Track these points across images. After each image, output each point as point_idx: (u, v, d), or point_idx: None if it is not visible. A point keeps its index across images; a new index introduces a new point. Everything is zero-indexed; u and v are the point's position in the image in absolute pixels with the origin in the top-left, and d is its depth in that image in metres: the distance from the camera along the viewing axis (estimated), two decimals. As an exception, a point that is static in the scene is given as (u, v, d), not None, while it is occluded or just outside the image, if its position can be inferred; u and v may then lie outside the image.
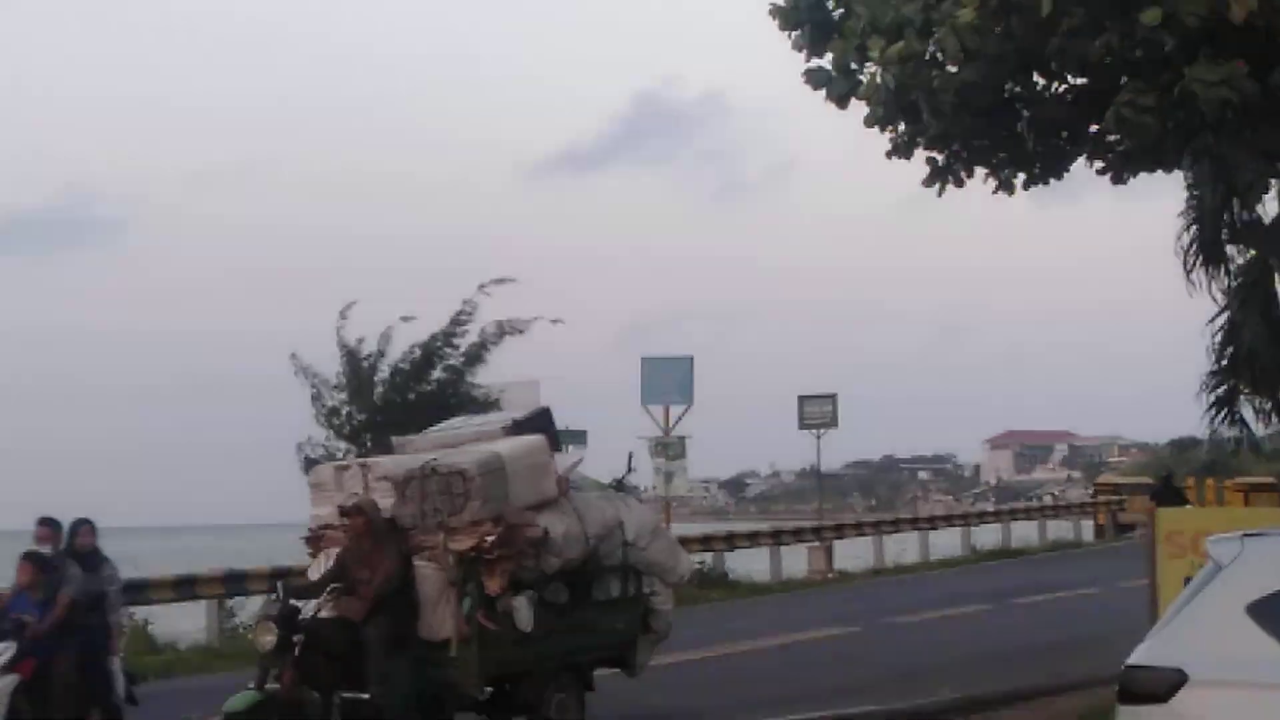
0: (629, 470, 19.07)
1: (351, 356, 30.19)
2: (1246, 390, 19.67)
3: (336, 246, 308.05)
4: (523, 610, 14.94)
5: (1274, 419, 20.30)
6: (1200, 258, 19.38)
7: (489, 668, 14.89)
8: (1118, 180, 15.84)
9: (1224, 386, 19.45)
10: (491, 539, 14.74)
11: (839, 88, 15.19)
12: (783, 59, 15.54)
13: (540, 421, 17.30)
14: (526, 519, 15.13)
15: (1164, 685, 8.22)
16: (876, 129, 15.43)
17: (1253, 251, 19.25)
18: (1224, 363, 19.72)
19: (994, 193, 15.96)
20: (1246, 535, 8.70)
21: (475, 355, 30.94)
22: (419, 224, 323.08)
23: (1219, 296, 19.32)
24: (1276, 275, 18.07)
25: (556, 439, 17.65)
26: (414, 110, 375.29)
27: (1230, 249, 19.20)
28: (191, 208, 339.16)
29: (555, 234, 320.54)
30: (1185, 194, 19.47)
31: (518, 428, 16.78)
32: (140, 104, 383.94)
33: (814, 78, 15.38)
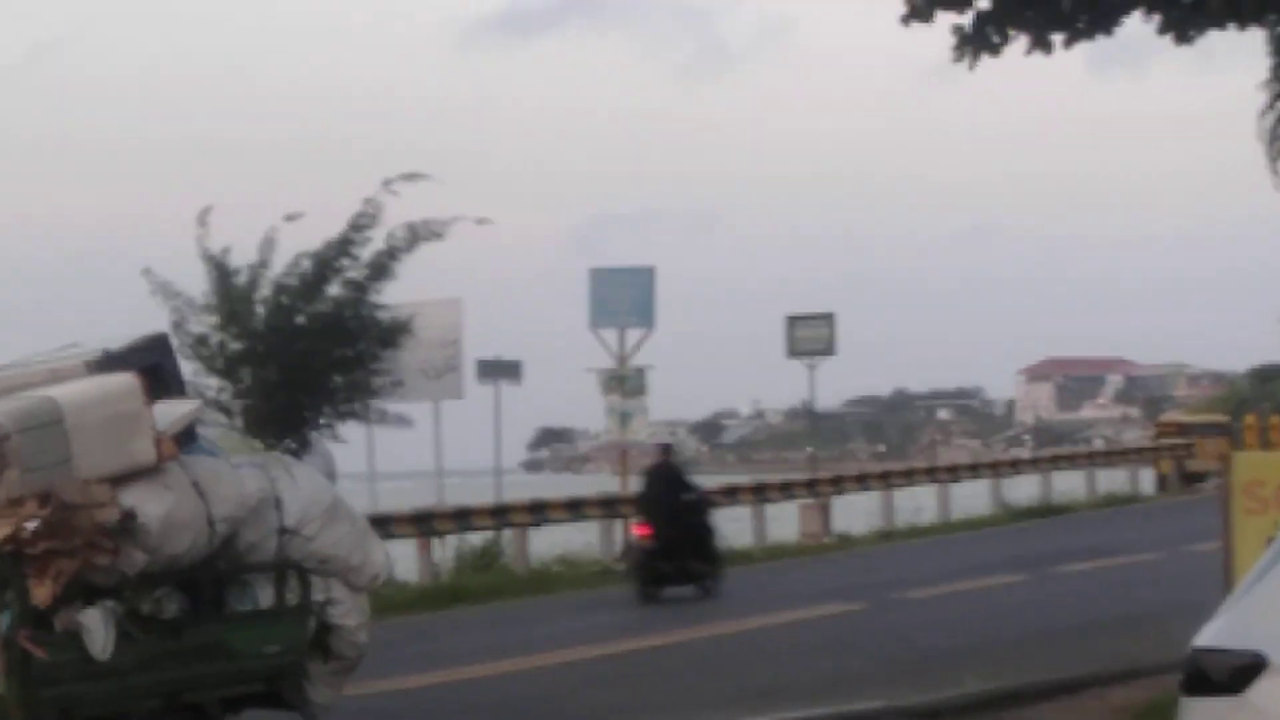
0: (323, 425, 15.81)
1: (220, 271, 29.78)
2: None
3: (227, 145, 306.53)
4: (95, 629, 12.82)
5: None
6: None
7: (43, 712, 12.84)
8: (1182, 39, 15.84)
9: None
10: (34, 525, 12.56)
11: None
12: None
13: (148, 354, 14.61)
14: (96, 496, 12.94)
15: (1239, 673, 8.26)
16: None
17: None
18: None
19: (1028, 53, 15.93)
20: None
21: (381, 266, 30.60)
22: (339, 94, 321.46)
23: None
24: None
25: (176, 380, 15.20)
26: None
27: None
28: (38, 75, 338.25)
29: (490, 115, 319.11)
30: (1269, 58, 19.56)
31: (112, 362, 14.02)
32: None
33: None
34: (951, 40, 15.87)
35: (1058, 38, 15.95)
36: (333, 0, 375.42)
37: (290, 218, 30.25)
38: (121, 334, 14.91)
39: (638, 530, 28.74)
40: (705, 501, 29.52)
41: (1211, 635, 8.60)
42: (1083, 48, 16.20)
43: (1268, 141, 19.70)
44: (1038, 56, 16.29)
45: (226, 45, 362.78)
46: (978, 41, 15.89)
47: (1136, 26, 16.13)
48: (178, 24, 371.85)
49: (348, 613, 14.54)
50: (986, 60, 16.19)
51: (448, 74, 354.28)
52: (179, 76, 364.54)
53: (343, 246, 30.41)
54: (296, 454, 30.06)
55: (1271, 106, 19.67)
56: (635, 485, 38.74)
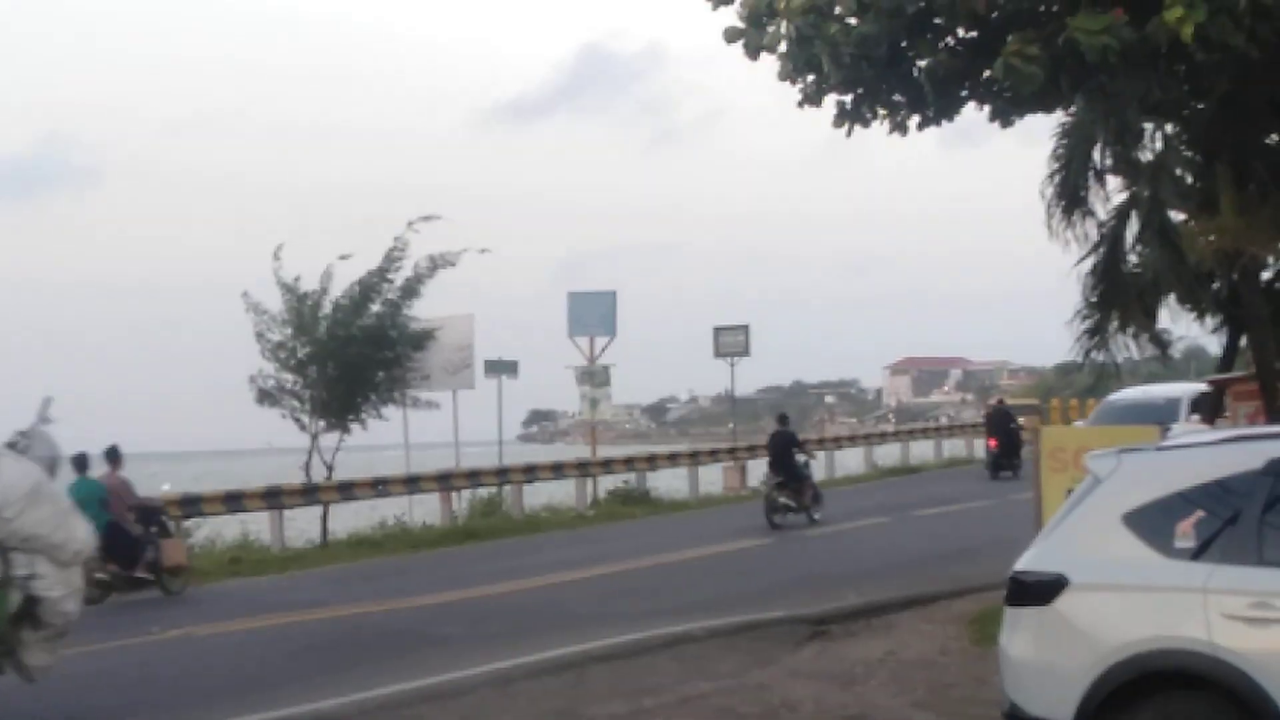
0: (41, 421, 14.05)
1: (292, 294, 30.20)
2: (1118, 320, 19.93)
3: (296, 193, 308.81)
4: None
5: (1148, 344, 20.59)
6: (1063, 204, 19.65)
7: None
8: (1005, 124, 15.89)
9: (1094, 318, 19.74)
10: None
11: (752, 40, 15.14)
12: (715, 14, 15.44)
13: None
14: None
15: (1047, 589, 8.30)
16: (788, 82, 15.42)
17: (1122, 195, 19.50)
18: (1094, 298, 20.01)
19: (889, 133, 15.97)
20: (1123, 451, 8.77)
21: (410, 289, 31.30)
22: (376, 170, 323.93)
23: (1079, 240, 19.65)
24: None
25: None
26: (371, 63, 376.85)
27: (1093, 197, 19.46)
28: (161, 156, 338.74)
29: (500, 178, 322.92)
30: (1055, 143, 19.70)
31: None
32: (114, 55, 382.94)
33: (728, 33, 15.32)
34: (833, 114, 15.88)
35: (913, 121, 15.98)
36: (380, 97, 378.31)
37: (343, 257, 30.76)
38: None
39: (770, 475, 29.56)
40: (808, 457, 30.93)
41: (1026, 561, 8.65)
42: (933, 129, 16.24)
43: (1046, 203, 19.89)
44: (902, 138, 16.34)
45: (299, 135, 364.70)
46: (853, 115, 15.89)
47: (971, 112, 16.19)
48: (247, 128, 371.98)
49: (52, 585, 12.91)
50: (870, 136, 16.25)
51: (467, 146, 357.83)
52: (264, 157, 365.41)
53: (381, 274, 30.87)
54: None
55: (1051, 178, 19.82)
56: (604, 453, 38.80)
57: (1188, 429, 17.89)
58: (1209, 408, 25.23)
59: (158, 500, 25.30)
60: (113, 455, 22.83)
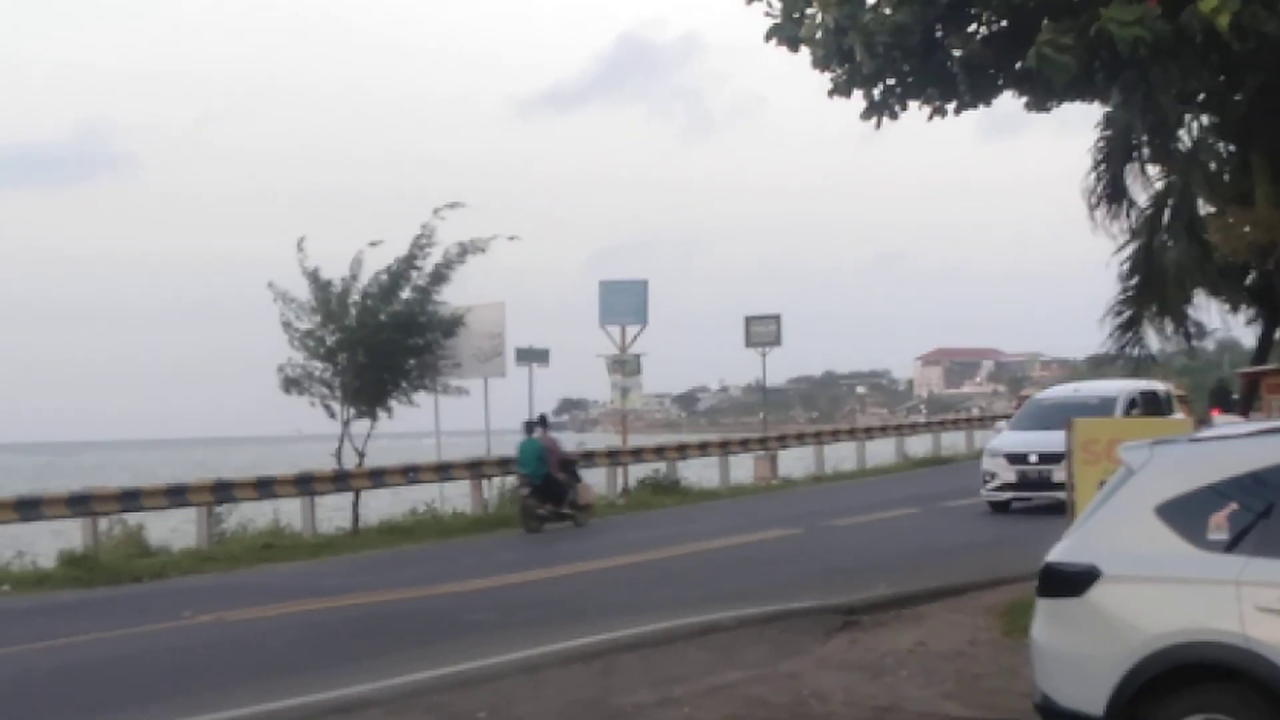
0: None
1: (318, 283, 30.18)
2: (1152, 312, 19.85)
3: (333, 179, 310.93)
4: None
5: (1180, 337, 20.52)
6: (1107, 195, 19.57)
7: None
8: (1040, 109, 15.84)
9: (1129, 311, 19.67)
10: None
11: (787, 31, 15.16)
12: (749, 7, 15.42)
13: None
14: None
15: (1079, 580, 8.28)
16: (820, 71, 15.40)
17: (1159, 185, 19.41)
18: (1131, 287, 19.92)
19: (929, 119, 15.94)
20: (1156, 443, 8.74)
21: (439, 275, 31.22)
22: (419, 155, 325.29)
23: (1119, 232, 19.54)
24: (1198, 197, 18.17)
25: None
26: (409, 52, 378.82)
27: (1134, 188, 19.38)
28: (200, 138, 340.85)
29: (536, 167, 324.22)
30: (1098, 136, 19.61)
31: None
32: (151, 38, 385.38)
33: (769, 31, 15.32)
34: (863, 105, 15.85)
35: (951, 106, 15.93)
36: (418, 83, 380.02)
37: (373, 244, 30.69)
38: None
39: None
40: None
41: (1059, 552, 8.62)
42: (971, 118, 16.22)
43: (1087, 196, 19.82)
44: (939, 126, 16.35)
45: (332, 121, 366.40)
46: (881, 109, 15.86)
47: (1007, 102, 16.14)
48: (292, 108, 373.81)
49: None
50: (903, 128, 16.22)
51: (505, 136, 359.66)
52: (296, 146, 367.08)
53: (409, 260, 30.76)
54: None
55: (1094, 169, 19.74)
56: (634, 441, 38.75)
57: (1224, 421, 17.82)
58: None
59: (575, 454, 32.61)
60: (543, 422, 30.17)
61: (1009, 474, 27.12)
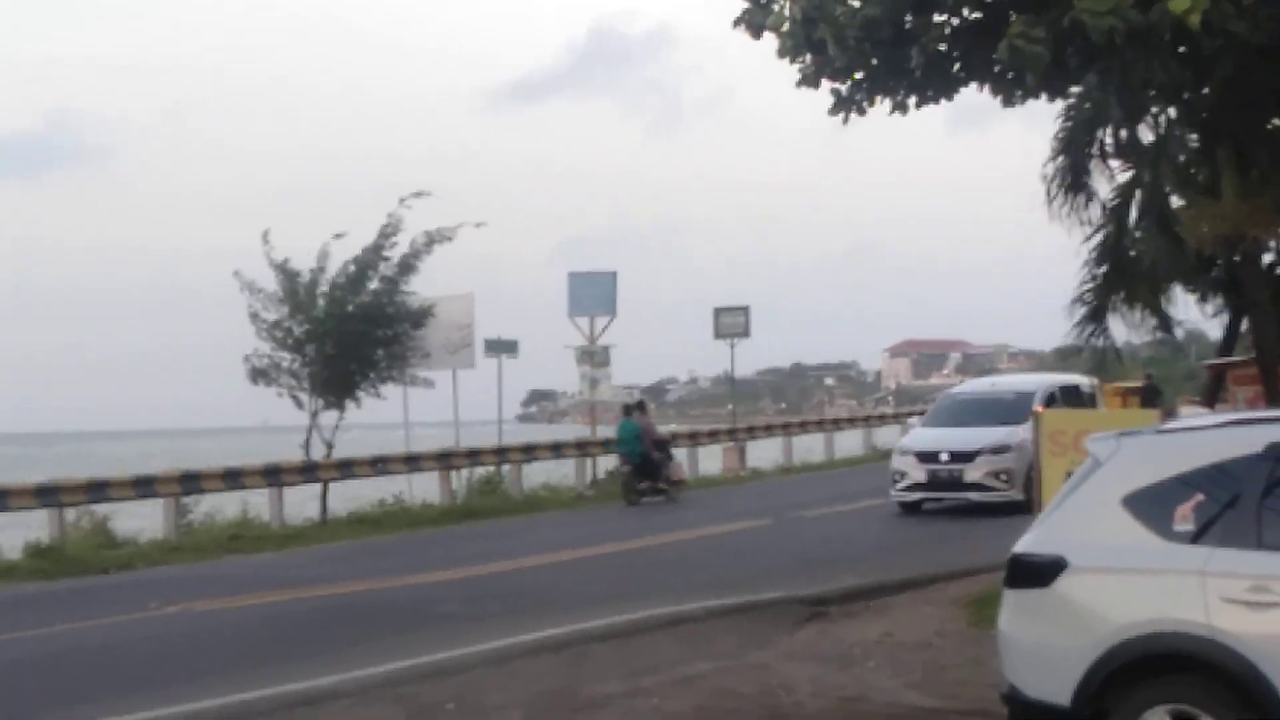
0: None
1: (285, 274, 30.11)
2: (1121, 303, 19.91)
3: (302, 167, 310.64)
4: None
5: (1153, 329, 20.61)
6: (1065, 185, 19.63)
7: None
8: (1008, 103, 15.84)
9: (1094, 301, 19.74)
10: None
11: (755, 18, 15.14)
12: (723, -5, 15.46)
13: None
14: None
15: (1046, 571, 8.31)
16: (787, 60, 15.38)
17: (1124, 176, 19.47)
18: (1099, 277, 19.98)
19: (890, 113, 15.94)
20: (1123, 434, 8.77)
21: (407, 266, 31.21)
22: (389, 148, 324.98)
23: (1079, 222, 19.62)
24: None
25: None
26: (379, 41, 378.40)
27: (1095, 179, 19.45)
28: (170, 130, 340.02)
29: (506, 158, 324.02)
30: (1060, 126, 19.66)
31: None
32: (124, 31, 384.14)
33: (737, 18, 15.32)
34: (830, 101, 15.86)
35: (912, 100, 15.93)
36: (388, 75, 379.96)
37: (338, 236, 30.70)
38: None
39: None
40: None
41: (1026, 543, 8.65)
42: (940, 111, 16.22)
43: (1047, 185, 19.88)
44: (908, 119, 16.32)
45: (302, 114, 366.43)
46: (849, 104, 15.87)
47: (975, 95, 16.16)
48: (261, 100, 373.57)
49: None
50: (871, 122, 16.21)
51: (476, 129, 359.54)
52: (266, 139, 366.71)
53: (376, 250, 30.74)
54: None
55: (1053, 159, 19.82)
56: (603, 433, 38.79)
57: (1191, 412, 17.90)
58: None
59: (667, 435, 35.97)
60: (641, 406, 33.57)
61: (919, 473, 25.93)
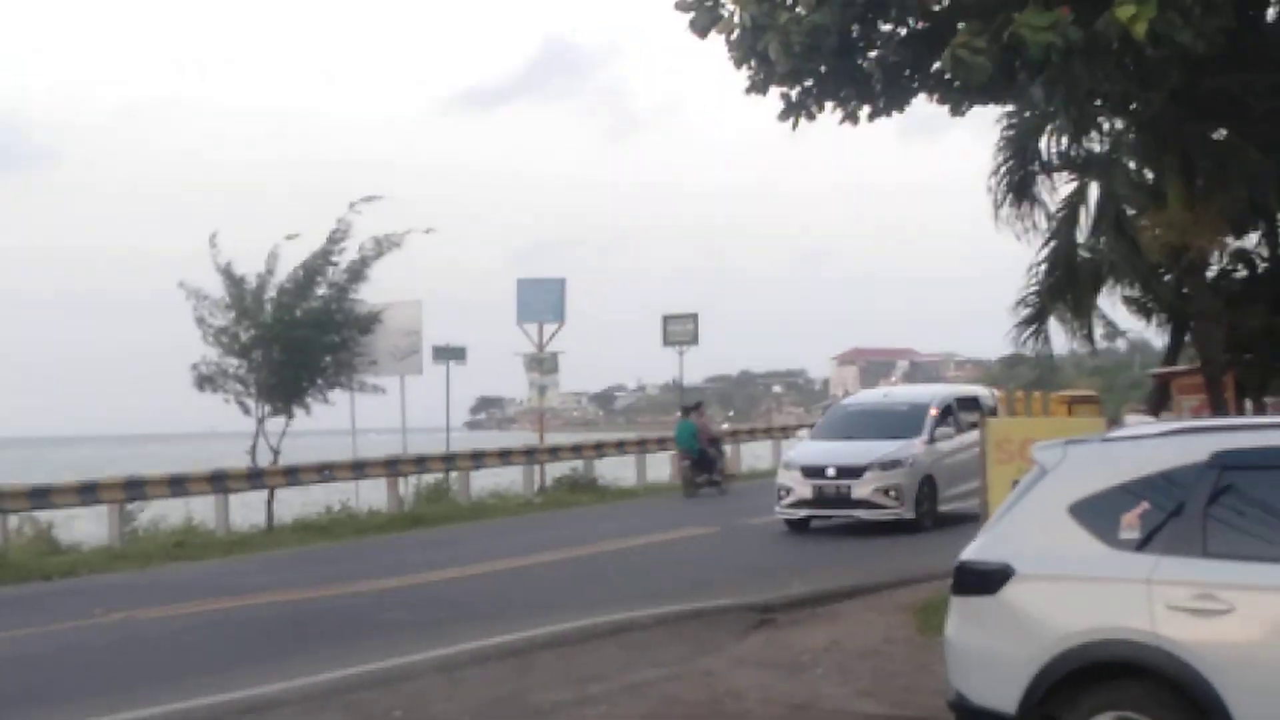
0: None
1: (231, 279, 29.95)
2: (1066, 311, 20.02)
3: (253, 174, 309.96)
4: None
5: (1103, 338, 20.73)
6: (1010, 195, 19.74)
7: None
8: (955, 112, 15.92)
9: (1036, 304, 19.84)
10: None
11: (701, 19, 15.13)
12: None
13: None
14: None
15: (993, 579, 8.33)
16: (737, 68, 15.40)
17: (1070, 186, 19.60)
18: (1046, 284, 20.08)
19: (840, 123, 15.97)
20: (1069, 442, 8.81)
21: (356, 271, 31.00)
22: (334, 154, 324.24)
23: (1024, 230, 19.74)
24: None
25: None
26: (338, 48, 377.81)
27: (1040, 188, 19.57)
28: (119, 138, 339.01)
29: (458, 166, 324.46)
30: (1001, 133, 19.75)
31: None
32: (74, 40, 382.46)
33: (679, 5, 15.31)
34: (780, 106, 15.88)
35: (864, 111, 15.97)
36: (340, 79, 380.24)
37: (289, 237, 30.54)
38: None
39: None
40: None
41: (973, 551, 8.68)
42: (890, 120, 16.23)
43: (993, 194, 19.99)
44: (858, 129, 16.35)
45: (254, 119, 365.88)
46: (798, 110, 15.89)
47: (926, 104, 16.23)
48: (213, 105, 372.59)
49: None
50: (822, 131, 16.26)
51: (426, 135, 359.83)
52: (216, 144, 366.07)
53: (324, 255, 30.58)
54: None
55: (997, 170, 19.92)
56: (551, 439, 38.75)
57: (1136, 421, 17.96)
58: (1156, 402, 25.26)
59: (719, 433, 40.06)
60: (697, 408, 37.49)
61: (804, 489, 24.33)
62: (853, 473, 23.68)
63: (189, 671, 14.02)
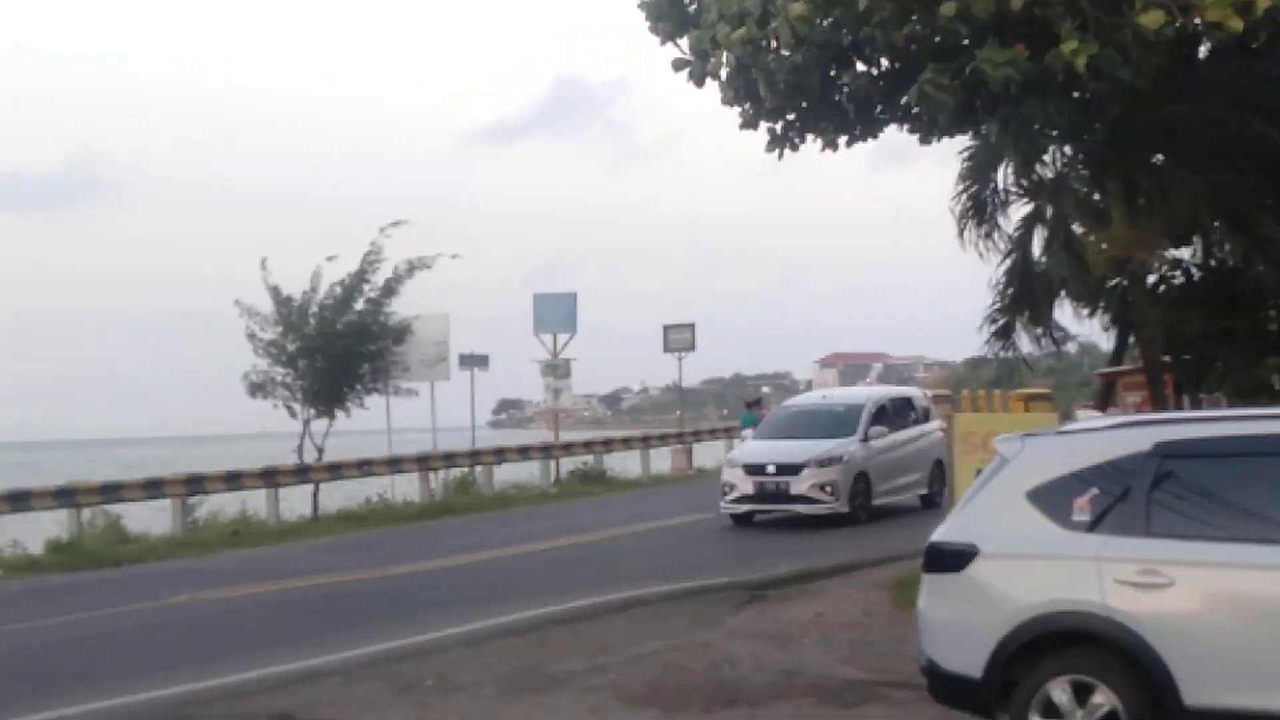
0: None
1: (279, 298, 30.13)
2: (1026, 320, 20.02)
3: (298, 201, 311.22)
4: None
5: (1053, 343, 20.73)
6: (972, 217, 19.75)
7: None
8: (924, 141, 15.92)
9: (1003, 319, 19.83)
10: None
11: (697, 71, 15.19)
12: (664, 49, 15.50)
13: None
14: None
15: (960, 558, 8.34)
16: (729, 106, 15.44)
17: (1027, 208, 19.62)
18: (1007, 297, 20.08)
19: (821, 151, 16.00)
20: (1027, 435, 8.82)
21: (390, 289, 31.18)
22: (375, 184, 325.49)
23: (988, 248, 19.75)
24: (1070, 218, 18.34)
25: None
26: (376, 88, 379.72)
27: (997, 208, 19.58)
28: (179, 170, 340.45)
29: (480, 193, 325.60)
30: (963, 160, 19.76)
31: None
32: (140, 79, 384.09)
33: (676, 63, 15.36)
34: (766, 139, 15.91)
35: (842, 140, 15.99)
36: (368, 116, 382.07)
37: (330, 259, 30.71)
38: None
39: None
40: None
41: (941, 533, 8.69)
42: (864, 151, 16.27)
43: (957, 217, 19.96)
44: (837, 159, 16.40)
45: (298, 153, 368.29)
46: (783, 142, 15.91)
47: (896, 135, 16.24)
48: (262, 141, 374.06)
49: None
50: (804, 161, 16.33)
51: (450, 165, 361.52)
52: (265, 176, 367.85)
53: (361, 275, 30.71)
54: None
55: (959, 196, 19.92)
56: (565, 437, 38.77)
57: (1086, 416, 17.98)
58: (1103, 398, 25.15)
59: None
60: (759, 402, 37.42)
61: (747, 485, 23.41)
62: (791, 470, 22.87)
63: (247, 646, 14.03)
